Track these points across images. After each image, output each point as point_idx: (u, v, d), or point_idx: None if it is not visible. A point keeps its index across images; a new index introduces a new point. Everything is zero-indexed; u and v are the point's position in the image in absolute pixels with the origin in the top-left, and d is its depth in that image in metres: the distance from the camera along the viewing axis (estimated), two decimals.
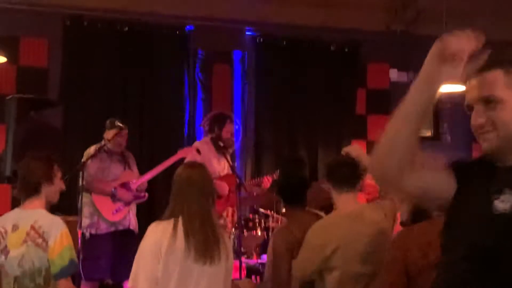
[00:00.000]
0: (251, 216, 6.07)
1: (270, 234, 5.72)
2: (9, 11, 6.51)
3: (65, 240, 3.10)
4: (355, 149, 3.52)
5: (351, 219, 3.05)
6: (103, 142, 5.18)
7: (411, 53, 7.41)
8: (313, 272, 2.99)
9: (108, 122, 5.29)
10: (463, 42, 1.46)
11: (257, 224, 5.88)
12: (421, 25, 7.34)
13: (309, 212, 3.44)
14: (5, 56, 6.03)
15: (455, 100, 7.79)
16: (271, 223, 5.87)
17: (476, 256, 1.51)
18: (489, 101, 1.55)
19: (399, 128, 1.54)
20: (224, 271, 2.93)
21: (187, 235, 2.84)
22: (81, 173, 4.86)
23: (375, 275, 2.96)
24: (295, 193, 3.41)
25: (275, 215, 5.95)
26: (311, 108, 7.35)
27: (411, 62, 7.39)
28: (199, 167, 3.06)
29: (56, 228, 3.10)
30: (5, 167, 4.53)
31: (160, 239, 2.84)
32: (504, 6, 6.84)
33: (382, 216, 3.15)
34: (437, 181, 1.63)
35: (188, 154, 5.31)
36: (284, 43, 7.40)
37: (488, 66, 1.58)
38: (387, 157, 1.58)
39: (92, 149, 5.15)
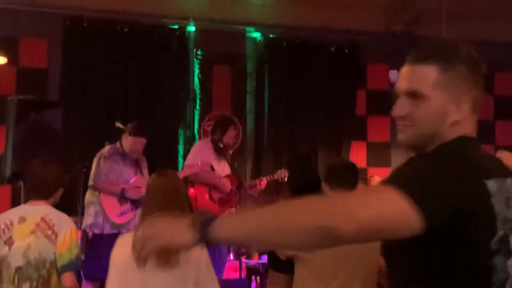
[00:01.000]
0: None
1: None
2: (9, 12, 6.51)
3: (74, 236, 3.21)
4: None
5: None
6: (118, 144, 5.17)
7: None
8: (292, 257, 2.95)
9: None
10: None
11: None
12: (421, 26, 7.35)
13: None
14: (5, 56, 6.03)
15: None
16: None
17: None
18: (414, 96, 1.48)
19: None
20: (189, 280, 2.86)
21: None
22: (92, 171, 4.87)
23: (355, 277, 2.92)
24: (310, 190, 3.38)
25: None
26: (311, 108, 7.35)
27: None
28: (167, 176, 3.06)
29: (66, 223, 3.21)
30: (5, 168, 4.53)
31: (124, 252, 2.83)
32: (503, 7, 6.85)
33: None
34: None
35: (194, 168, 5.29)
36: (284, 44, 7.41)
37: (424, 57, 1.50)
38: None
39: (106, 150, 5.14)
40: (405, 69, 1.53)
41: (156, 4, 6.88)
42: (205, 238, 1.37)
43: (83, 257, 4.52)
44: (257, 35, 7.38)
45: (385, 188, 1.32)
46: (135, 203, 5.21)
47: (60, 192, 3.37)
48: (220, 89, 7.29)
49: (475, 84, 1.50)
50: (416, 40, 7.38)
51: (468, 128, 1.51)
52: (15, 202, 5.67)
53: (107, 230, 5.08)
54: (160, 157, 6.65)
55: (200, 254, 2.94)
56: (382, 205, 1.30)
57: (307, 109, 7.36)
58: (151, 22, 6.99)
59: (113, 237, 5.07)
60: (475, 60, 1.50)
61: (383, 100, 7.57)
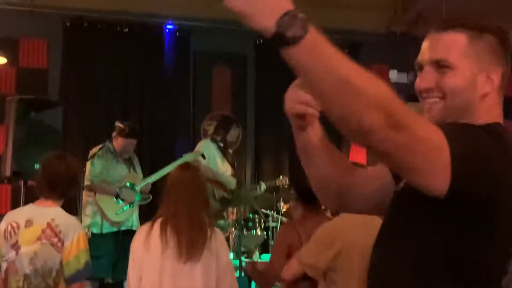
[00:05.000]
0: (251, 216, 6.08)
1: (270, 234, 5.74)
2: (9, 12, 6.51)
3: (82, 242, 3.07)
4: None
5: (364, 223, 3.04)
6: (107, 143, 5.19)
7: (411, 54, 7.41)
8: (325, 264, 2.94)
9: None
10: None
11: (257, 224, 5.88)
12: (421, 26, 7.35)
13: (324, 215, 3.42)
14: (5, 57, 6.03)
15: None
16: (271, 223, 5.88)
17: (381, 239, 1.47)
18: (440, 65, 1.37)
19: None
20: (212, 270, 2.94)
21: (164, 234, 2.88)
22: (84, 172, 4.88)
23: None
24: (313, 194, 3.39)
25: (275, 215, 5.96)
26: None
27: (411, 63, 7.39)
28: (190, 169, 3.09)
29: (73, 229, 3.06)
30: (5, 168, 4.53)
31: (141, 241, 2.90)
32: (503, 7, 6.85)
33: None
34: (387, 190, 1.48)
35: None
36: None
37: (451, 25, 1.40)
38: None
39: (97, 149, 5.16)
40: (429, 39, 1.43)
41: (155, 5, 6.88)
42: (288, 35, 1.14)
43: None
44: (256, 35, 7.38)
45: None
46: (132, 201, 5.26)
47: (72, 190, 3.23)
48: (220, 89, 7.30)
49: (504, 58, 1.40)
50: (416, 41, 7.38)
51: (497, 106, 1.40)
52: (15, 201, 5.68)
53: (106, 229, 5.10)
54: (160, 157, 6.66)
55: (221, 243, 2.99)
56: (430, 132, 1.20)
57: None
58: (151, 22, 6.99)
59: (112, 236, 5.12)
60: (504, 33, 1.41)
61: None
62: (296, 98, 1.45)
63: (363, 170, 1.62)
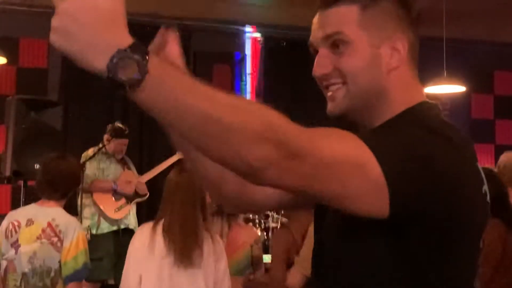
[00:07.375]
0: (251, 216, 6.08)
1: (270, 234, 5.74)
2: (9, 12, 6.52)
3: (81, 243, 3.08)
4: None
5: None
6: (100, 145, 5.21)
7: None
8: None
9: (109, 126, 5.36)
10: None
11: (257, 224, 5.88)
12: (421, 26, 7.34)
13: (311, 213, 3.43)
14: (5, 57, 6.03)
15: (454, 102, 7.80)
16: (271, 223, 5.88)
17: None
18: (335, 43, 1.15)
19: None
20: (210, 275, 2.94)
21: (166, 238, 2.88)
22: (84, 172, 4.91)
23: None
24: None
25: (275, 215, 5.95)
26: (312, 109, 7.33)
27: None
28: (187, 173, 3.08)
29: (73, 230, 3.07)
30: (5, 168, 4.54)
31: (144, 241, 2.90)
32: (503, 7, 6.84)
33: None
34: None
35: None
36: (284, 44, 7.41)
37: None
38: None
39: (90, 151, 5.18)
40: (318, 16, 1.20)
41: (155, 4, 6.87)
42: (120, 80, 0.92)
43: None
44: (257, 35, 7.39)
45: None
46: (130, 198, 5.27)
47: (73, 190, 3.26)
48: (220, 88, 7.29)
49: (408, 24, 1.23)
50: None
51: (413, 82, 1.20)
52: (15, 201, 5.68)
53: (106, 228, 5.11)
54: (161, 157, 6.66)
55: (219, 248, 2.99)
56: (346, 148, 1.01)
57: (307, 110, 7.36)
58: (151, 22, 6.98)
59: (112, 236, 5.13)
60: None
61: None
62: None
63: None
